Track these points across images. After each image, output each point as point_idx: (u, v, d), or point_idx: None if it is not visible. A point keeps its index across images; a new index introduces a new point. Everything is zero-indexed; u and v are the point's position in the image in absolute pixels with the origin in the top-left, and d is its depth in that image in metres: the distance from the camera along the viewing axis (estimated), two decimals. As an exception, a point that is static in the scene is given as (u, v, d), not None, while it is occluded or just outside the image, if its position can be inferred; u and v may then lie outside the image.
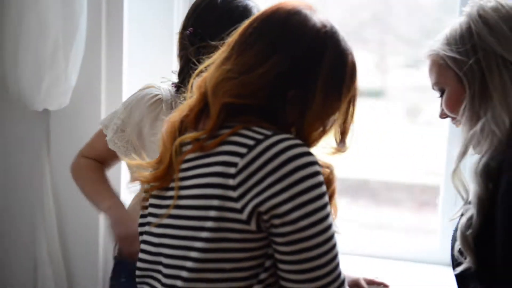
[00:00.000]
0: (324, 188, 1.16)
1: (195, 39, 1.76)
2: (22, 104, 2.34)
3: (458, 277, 1.35)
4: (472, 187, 1.26)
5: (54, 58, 2.25)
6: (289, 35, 1.23)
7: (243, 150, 1.15)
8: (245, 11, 1.78)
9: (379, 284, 2.10)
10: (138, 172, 1.33)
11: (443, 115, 1.41)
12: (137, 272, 1.34)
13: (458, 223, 1.32)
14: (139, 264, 1.34)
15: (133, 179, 1.34)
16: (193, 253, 1.18)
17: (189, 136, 1.24)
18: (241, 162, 1.14)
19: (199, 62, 1.38)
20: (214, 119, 1.21)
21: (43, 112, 2.39)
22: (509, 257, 1.14)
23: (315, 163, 1.15)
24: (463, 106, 1.32)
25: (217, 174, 1.16)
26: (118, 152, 1.88)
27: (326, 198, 1.16)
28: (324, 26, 1.25)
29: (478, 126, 1.27)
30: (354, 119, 1.32)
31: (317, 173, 1.15)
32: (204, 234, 1.16)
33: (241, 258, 1.16)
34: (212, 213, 1.15)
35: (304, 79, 1.22)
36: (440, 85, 1.39)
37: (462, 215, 1.32)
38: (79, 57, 2.31)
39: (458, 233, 1.27)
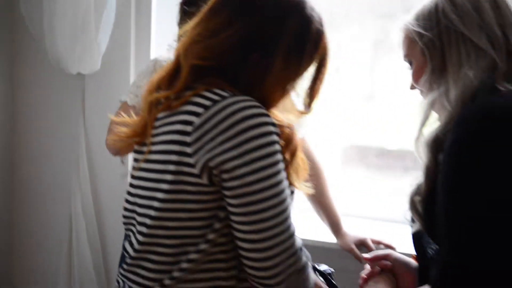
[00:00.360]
0: (276, 147, 1.24)
1: (187, 7, 1.88)
2: (59, 68, 2.53)
3: (413, 236, 1.42)
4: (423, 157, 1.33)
5: (85, 25, 2.42)
6: (253, 1, 1.31)
7: (200, 110, 1.26)
8: None
9: (385, 245, 2.16)
10: (119, 128, 1.46)
11: (411, 87, 1.47)
12: (123, 220, 1.48)
13: None
14: (123, 213, 1.48)
15: (115, 135, 1.47)
16: (155, 203, 1.30)
17: (160, 95, 1.36)
18: (197, 121, 1.25)
19: None
20: (182, 80, 1.32)
21: (77, 75, 2.58)
22: (446, 209, 1.19)
23: (268, 123, 1.23)
24: (423, 78, 1.38)
25: (177, 132, 1.27)
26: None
27: (277, 157, 1.24)
28: None
29: (430, 99, 1.33)
30: (321, 85, 1.39)
31: (269, 133, 1.23)
32: (164, 186, 1.28)
33: (196, 209, 1.28)
34: (171, 167, 1.27)
35: (266, 44, 1.29)
36: (408, 58, 1.45)
37: None
38: (109, 25, 2.47)
39: (407, 198, 1.34)
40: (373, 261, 1.56)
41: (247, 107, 1.23)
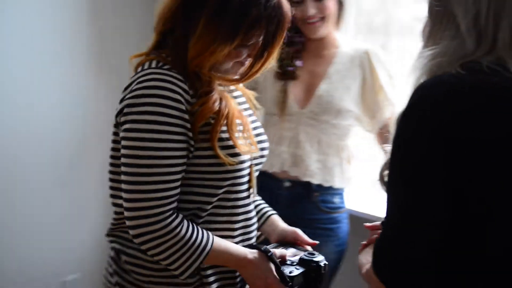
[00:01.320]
0: (164, 120, 1.33)
1: None
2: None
3: None
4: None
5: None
6: None
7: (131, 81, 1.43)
8: None
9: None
10: None
11: None
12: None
13: None
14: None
15: None
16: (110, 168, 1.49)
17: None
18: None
19: None
20: (152, 44, 1.49)
21: None
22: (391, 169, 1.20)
23: (164, 96, 1.34)
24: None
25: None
26: None
27: (149, 135, 1.33)
28: None
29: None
30: (260, 52, 1.43)
31: (160, 105, 1.34)
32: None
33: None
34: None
35: (193, 8, 1.39)
36: None
37: None
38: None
39: (377, 173, 1.34)
40: (372, 229, 1.57)
41: (147, 80, 1.36)
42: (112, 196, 1.47)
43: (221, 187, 1.44)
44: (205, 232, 1.42)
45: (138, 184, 1.34)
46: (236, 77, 1.48)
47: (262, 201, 1.75)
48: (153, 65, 1.41)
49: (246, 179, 1.50)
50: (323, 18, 2.17)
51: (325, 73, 2.23)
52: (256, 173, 1.58)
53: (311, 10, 2.14)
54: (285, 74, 2.22)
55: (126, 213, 1.37)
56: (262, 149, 1.58)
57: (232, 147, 1.43)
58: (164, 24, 1.44)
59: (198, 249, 1.39)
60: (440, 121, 1.11)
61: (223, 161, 1.40)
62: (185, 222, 1.39)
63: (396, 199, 1.16)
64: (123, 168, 1.37)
